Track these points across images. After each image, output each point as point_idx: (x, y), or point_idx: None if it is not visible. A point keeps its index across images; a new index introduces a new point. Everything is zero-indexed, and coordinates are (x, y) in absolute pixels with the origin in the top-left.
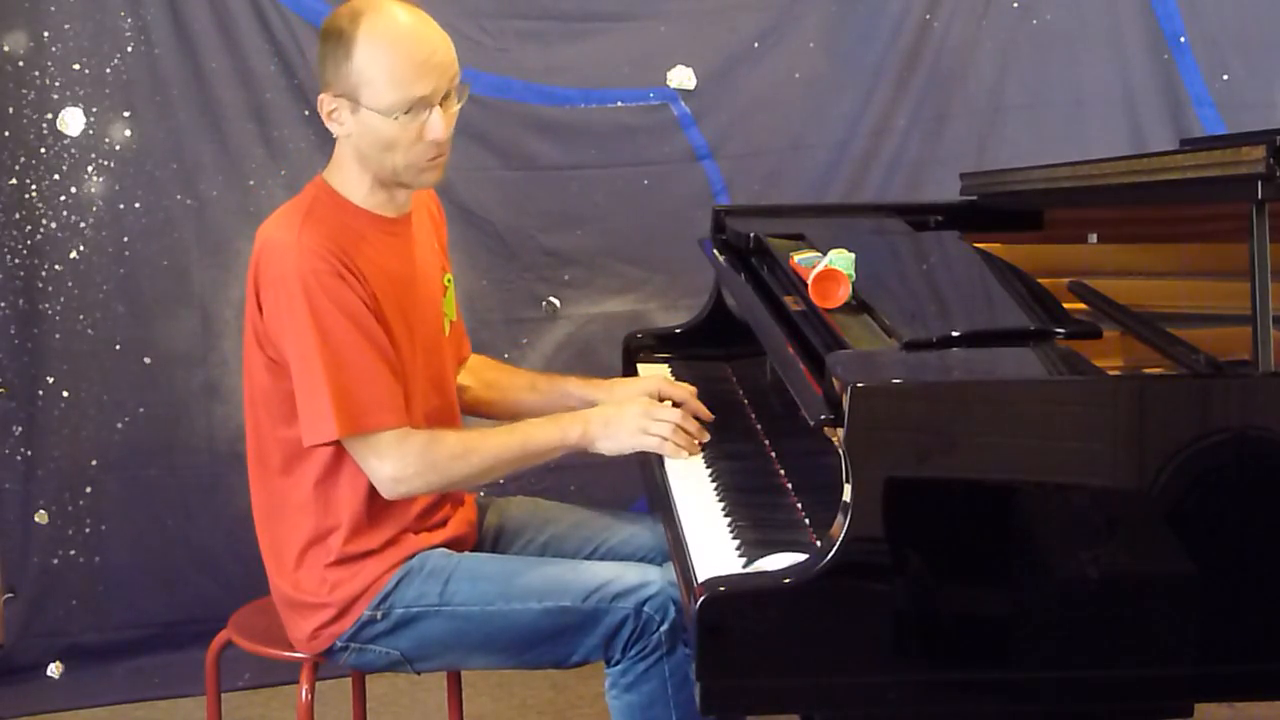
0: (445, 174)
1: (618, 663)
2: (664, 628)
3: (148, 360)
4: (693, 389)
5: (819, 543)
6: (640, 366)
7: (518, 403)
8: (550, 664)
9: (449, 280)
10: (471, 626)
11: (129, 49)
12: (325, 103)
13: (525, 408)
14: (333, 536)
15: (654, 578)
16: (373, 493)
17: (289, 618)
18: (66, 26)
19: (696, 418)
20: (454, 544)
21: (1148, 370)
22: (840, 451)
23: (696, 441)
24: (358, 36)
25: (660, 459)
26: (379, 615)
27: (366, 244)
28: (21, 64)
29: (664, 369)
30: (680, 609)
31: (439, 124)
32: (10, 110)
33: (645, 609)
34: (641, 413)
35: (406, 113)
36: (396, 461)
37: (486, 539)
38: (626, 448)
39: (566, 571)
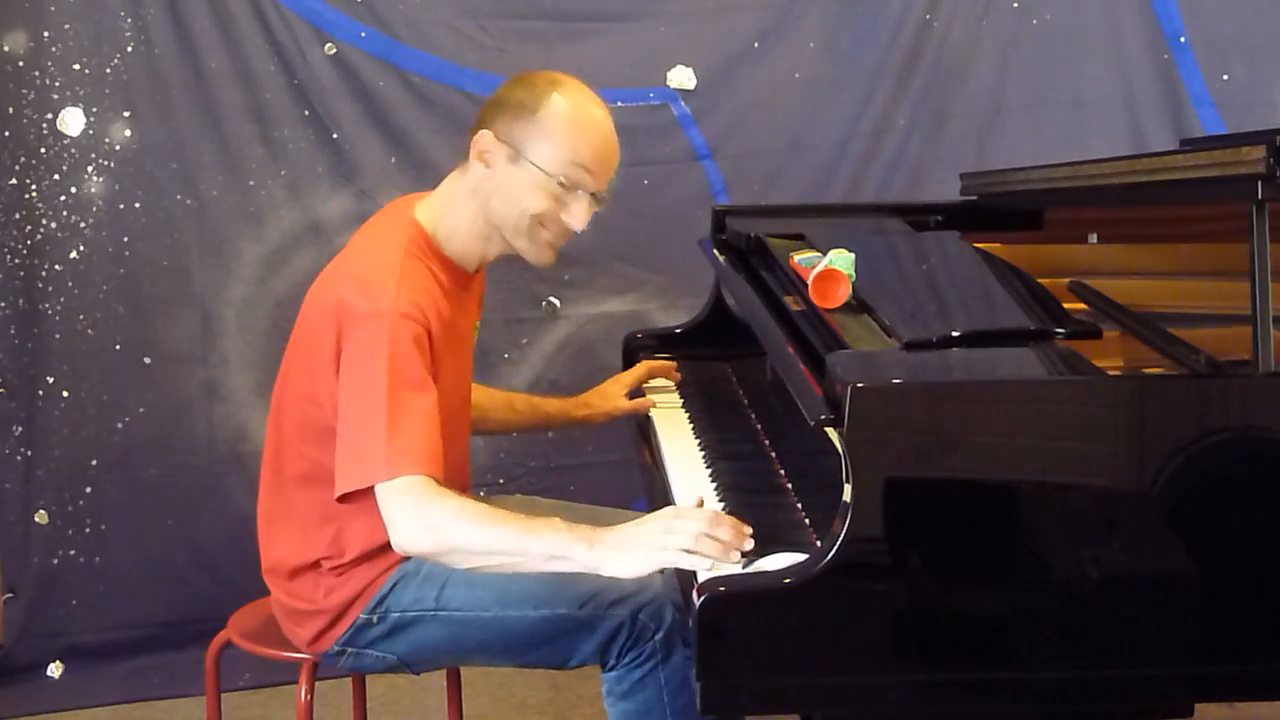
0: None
1: (613, 669)
2: (659, 635)
3: (148, 360)
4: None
5: (819, 543)
6: None
7: (499, 421)
8: (548, 666)
9: (475, 327)
10: (467, 632)
11: (129, 49)
12: (483, 140)
13: (504, 425)
14: (333, 559)
15: (651, 584)
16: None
17: (285, 621)
18: (66, 26)
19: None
20: None
21: (1148, 370)
22: (840, 451)
23: (733, 547)
24: (553, 98)
25: (662, 459)
26: (374, 619)
27: (446, 298)
28: (21, 64)
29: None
30: (677, 614)
31: (581, 214)
32: (10, 110)
33: (641, 616)
34: (662, 527)
35: (562, 186)
36: (402, 514)
37: None
38: (645, 569)
39: (562, 577)
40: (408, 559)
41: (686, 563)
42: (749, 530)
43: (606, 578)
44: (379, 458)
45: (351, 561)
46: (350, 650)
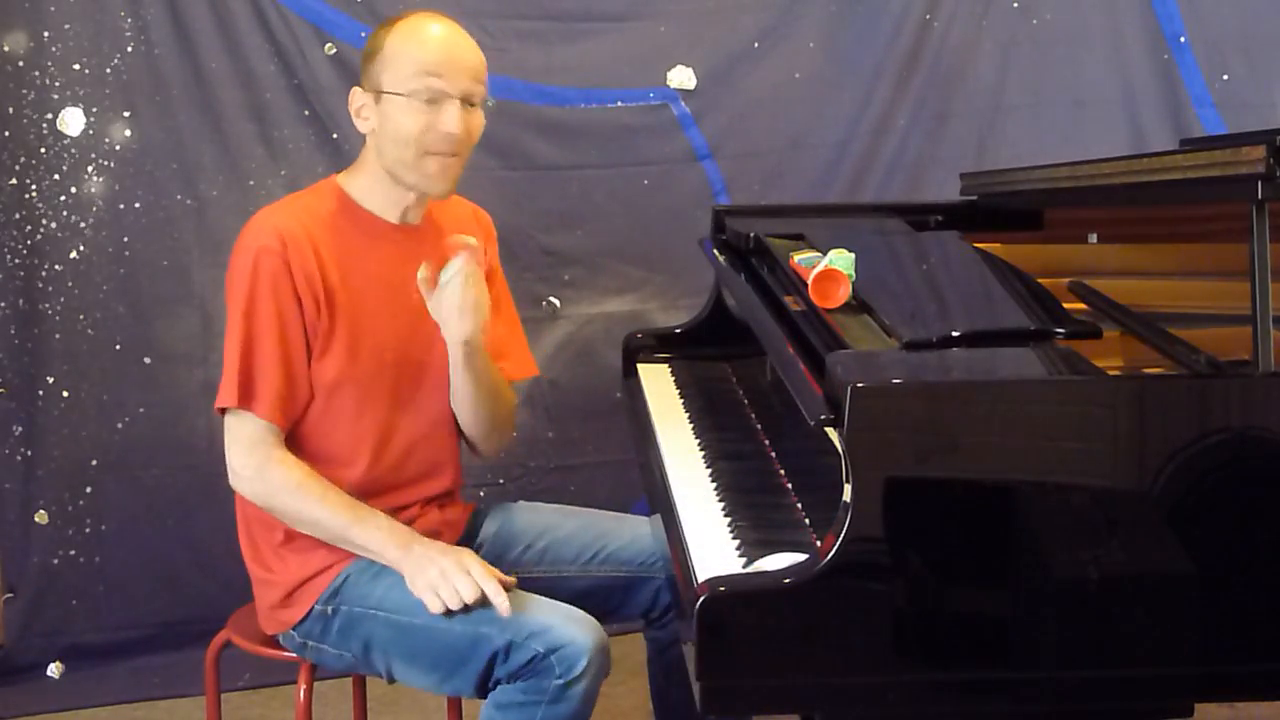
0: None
1: (508, 682)
2: (559, 680)
3: (148, 360)
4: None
5: (819, 543)
6: (640, 367)
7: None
8: (474, 690)
9: None
10: (399, 635)
11: (129, 49)
12: (354, 98)
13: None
14: (283, 528)
15: (580, 635)
16: (341, 484)
17: (255, 591)
18: (66, 26)
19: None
20: None
21: (1148, 370)
22: (840, 451)
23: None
24: (391, 30)
25: (661, 459)
26: (329, 610)
27: (354, 240)
28: (21, 64)
29: (664, 369)
30: (593, 672)
31: (454, 116)
32: (10, 110)
33: (552, 656)
34: (439, 576)
35: (426, 101)
36: (240, 457)
37: (485, 544)
38: (419, 595)
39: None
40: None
41: (433, 604)
42: (500, 604)
43: (538, 615)
44: (230, 382)
45: (308, 537)
46: (311, 644)
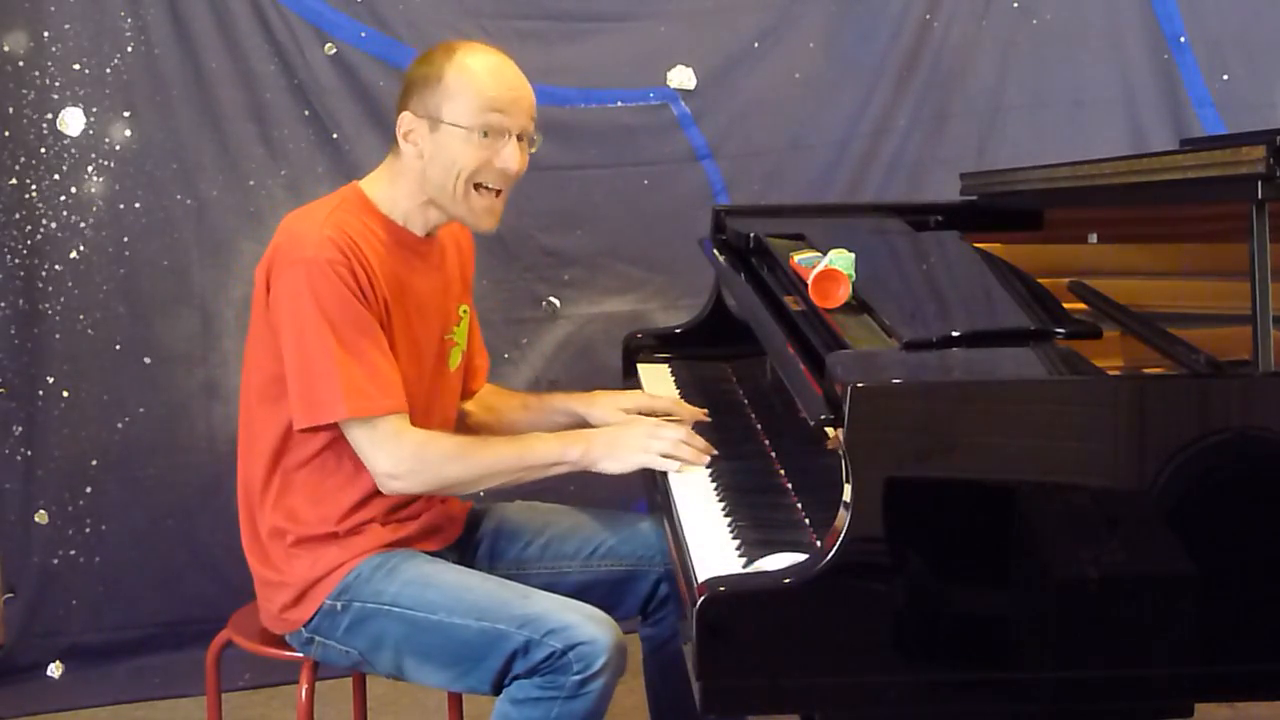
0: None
1: (525, 678)
2: (577, 676)
3: (148, 360)
4: (674, 398)
5: (819, 543)
6: (640, 367)
7: (512, 423)
8: (489, 688)
9: (464, 311)
10: (416, 633)
11: (129, 49)
12: (405, 122)
13: (519, 427)
14: (304, 518)
15: (599, 633)
16: (353, 482)
17: (260, 595)
18: (66, 26)
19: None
20: (427, 537)
21: (1148, 370)
22: (840, 451)
23: (704, 454)
24: (452, 60)
25: None
26: (338, 606)
27: (387, 252)
28: (21, 64)
29: (664, 369)
30: (610, 670)
31: (514, 155)
32: (10, 110)
33: (570, 654)
34: (645, 432)
35: (485, 135)
36: (391, 456)
37: (484, 541)
38: (630, 466)
39: (515, 597)
40: (377, 550)
41: (663, 464)
42: (714, 452)
43: (556, 613)
44: (334, 395)
45: (318, 536)
46: (318, 639)
